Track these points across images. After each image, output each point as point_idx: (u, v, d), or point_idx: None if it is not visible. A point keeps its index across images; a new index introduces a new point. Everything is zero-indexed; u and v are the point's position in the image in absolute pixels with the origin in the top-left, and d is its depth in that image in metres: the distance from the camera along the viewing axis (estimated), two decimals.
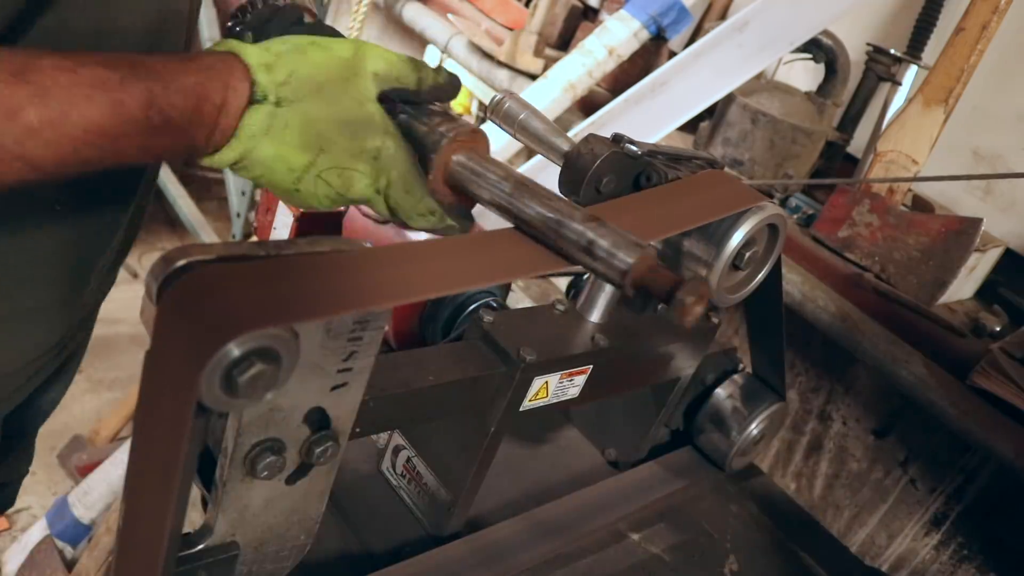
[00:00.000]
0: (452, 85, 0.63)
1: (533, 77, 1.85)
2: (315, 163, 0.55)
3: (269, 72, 0.53)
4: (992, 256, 1.39)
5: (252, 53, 0.53)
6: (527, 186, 0.57)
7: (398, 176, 0.58)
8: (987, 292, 1.42)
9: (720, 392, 0.98)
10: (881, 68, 1.65)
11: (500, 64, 1.90)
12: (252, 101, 0.52)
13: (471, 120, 2.17)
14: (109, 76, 0.47)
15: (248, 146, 0.53)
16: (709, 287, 0.49)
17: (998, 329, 1.27)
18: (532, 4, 2.04)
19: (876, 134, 1.62)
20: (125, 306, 0.83)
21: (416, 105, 0.61)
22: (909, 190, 1.48)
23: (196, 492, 0.51)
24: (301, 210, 0.92)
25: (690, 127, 1.73)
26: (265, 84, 0.53)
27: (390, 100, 0.60)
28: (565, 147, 0.68)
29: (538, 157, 1.58)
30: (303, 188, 0.56)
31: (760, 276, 0.75)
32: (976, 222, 1.25)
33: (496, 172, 0.59)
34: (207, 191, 3.06)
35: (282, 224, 0.92)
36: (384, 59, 0.59)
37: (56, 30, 0.53)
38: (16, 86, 0.44)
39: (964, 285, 1.35)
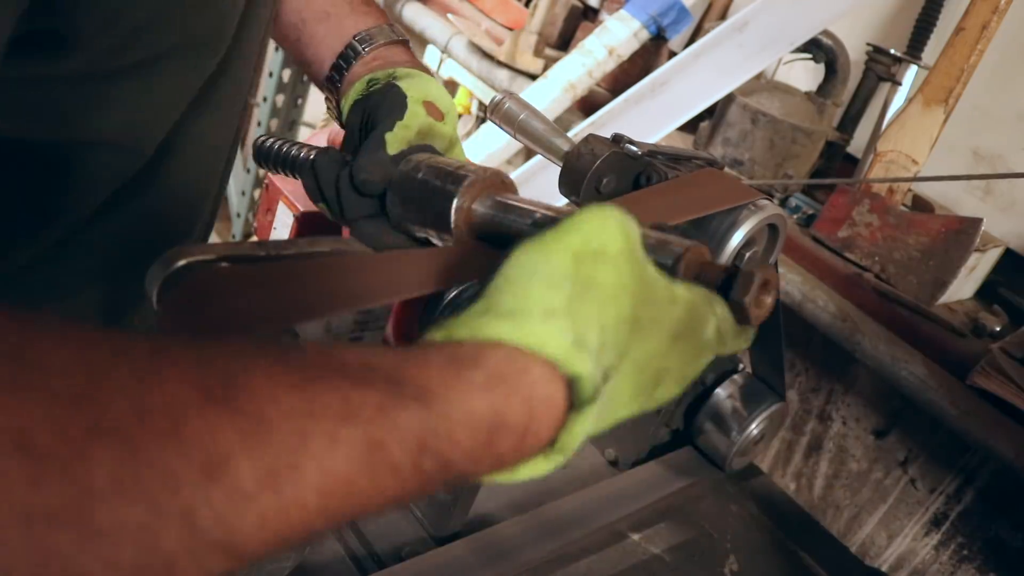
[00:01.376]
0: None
1: (533, 77, 1.85)
2: (647, 402, 0.40)
3: (583, 349, 0.33)
4: (992, 256, 1.39)
5: (550, 334, 0.32)
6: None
7: (729, 329, 0.43)
8: (987, 292, 1.42)
9: (720, 392, 0.98)
10: (881, 68, 1.65)
11: (500, 64, 1.90)
12: (576, 405, 0.33)
13: (470, 120, 2.17)
14: (362, 399, 0.28)
15: (565, 458, 0.35)
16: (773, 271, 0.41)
17: (998, 329, 1.27)
18: (532, 4, 2.04)
19: (876, 134, 1.62)
20: None
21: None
22: (909, 190, 1.48)
23: None
24: (301, 209, 0.92)
25: (690, 127, 1.73)
26: (591, 374, 0.33)
27: None
28: (565, 147, 0.68)
29: (538, 157, 1.59)
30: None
31: None
32: (976, 222, 1.25)
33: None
34: None
35: (282, 224, 0.92)
36: (628, 232, 0.38)
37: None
38: (218, 415, 0.25)
39: (964, 285, 1.35)
